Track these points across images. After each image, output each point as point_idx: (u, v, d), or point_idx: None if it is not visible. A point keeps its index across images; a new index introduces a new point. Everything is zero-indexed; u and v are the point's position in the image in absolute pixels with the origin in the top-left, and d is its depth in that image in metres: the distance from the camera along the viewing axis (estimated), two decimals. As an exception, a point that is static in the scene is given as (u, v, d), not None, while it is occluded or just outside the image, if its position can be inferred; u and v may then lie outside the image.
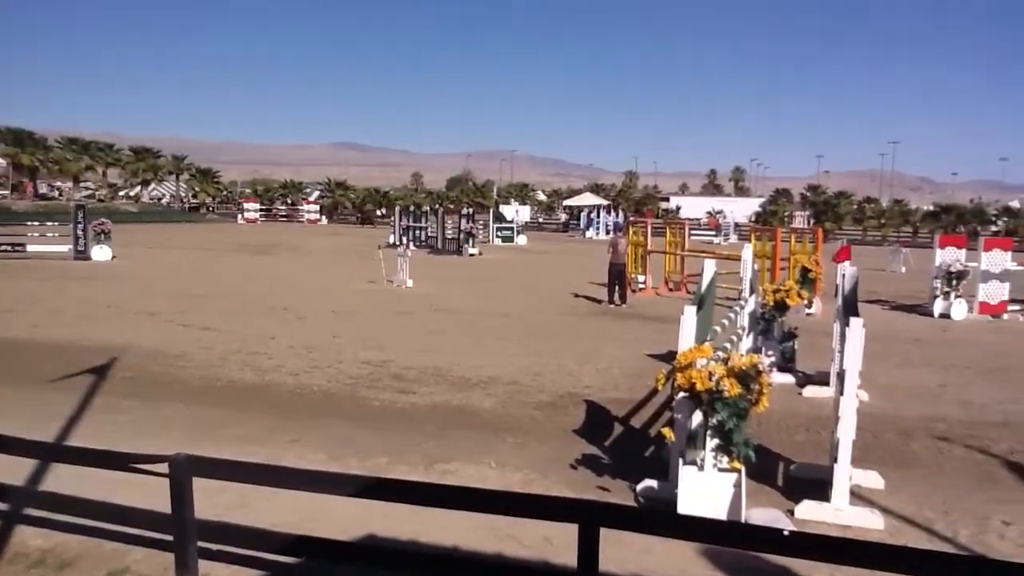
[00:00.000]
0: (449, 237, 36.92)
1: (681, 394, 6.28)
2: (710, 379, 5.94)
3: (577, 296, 21.11)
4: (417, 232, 39.51)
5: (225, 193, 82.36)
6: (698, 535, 4.66)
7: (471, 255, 34.45)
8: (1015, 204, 73.38)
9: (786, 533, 4.11)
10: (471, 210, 40.33)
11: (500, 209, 60.18)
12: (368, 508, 5.18)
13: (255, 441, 8.23)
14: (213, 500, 5.31)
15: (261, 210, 65.78)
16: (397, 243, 32.25)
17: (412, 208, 46.15)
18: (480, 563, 5.55)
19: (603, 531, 5.19)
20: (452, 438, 8.58)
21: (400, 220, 40.28)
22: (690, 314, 6.64)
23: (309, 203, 70.55)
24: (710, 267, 7.98)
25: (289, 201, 74.99)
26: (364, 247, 31.86)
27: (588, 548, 4.18)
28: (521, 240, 44.42)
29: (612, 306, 19.29)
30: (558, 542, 5.52)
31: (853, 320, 6.45)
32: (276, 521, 5.24)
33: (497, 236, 43.59)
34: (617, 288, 19.66)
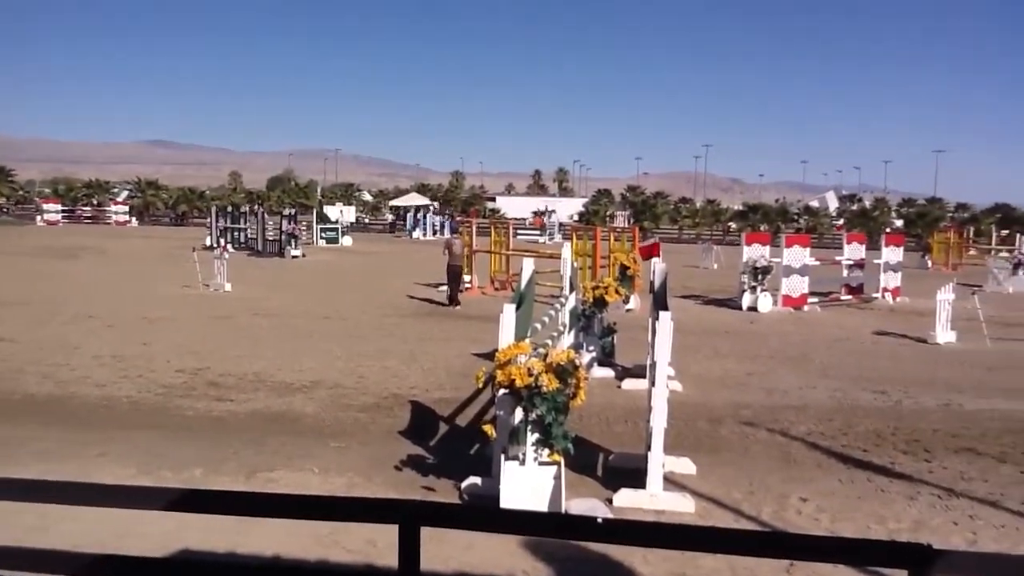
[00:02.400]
0: (270, 239, 35.88)
1: (502, 391, 6.38)
2: (529, 375, 6.06)
3: (404, 297, 21.03)
4: (236, 234, 38.18)
5: (21, 193, 76.35)
6: (516, 528, 4.71)
7: (294, 257, 33.61)
8: (814, 203, 79.19)
9: (599, 520, 4.23)
10: (294, 210, 39.35)
11: (324, 209, 59.03)
12: (183, 522, 4.98)
13: (58, 457, 7.71)
14: (11, 523, 4.94)
15: (63, 211, 61.36)
16: (214, 245, 31.06)
17: (230, 209, 44.46)
18: (303, 571, 5.43)
19: (426, 530, 5.22)
20: (273, 445, 8.35)
21: (217, 221, 38.79)
22: (509, 312, 6.76)
23: (117, 204, 66.50)
24: (529, 266, 8.15)
25: (95, 202, 70.45)
26: (179, 249, 30.49)
27: (409, 548, 4.15)
28: (346, 241, 43.73)
29: (455, 307, 19.33)
30: (382, 544, 5.48)
31: (662, 314, 6.76)
32: (82, 541, 4.94)
33: (321, 237, 42.71)
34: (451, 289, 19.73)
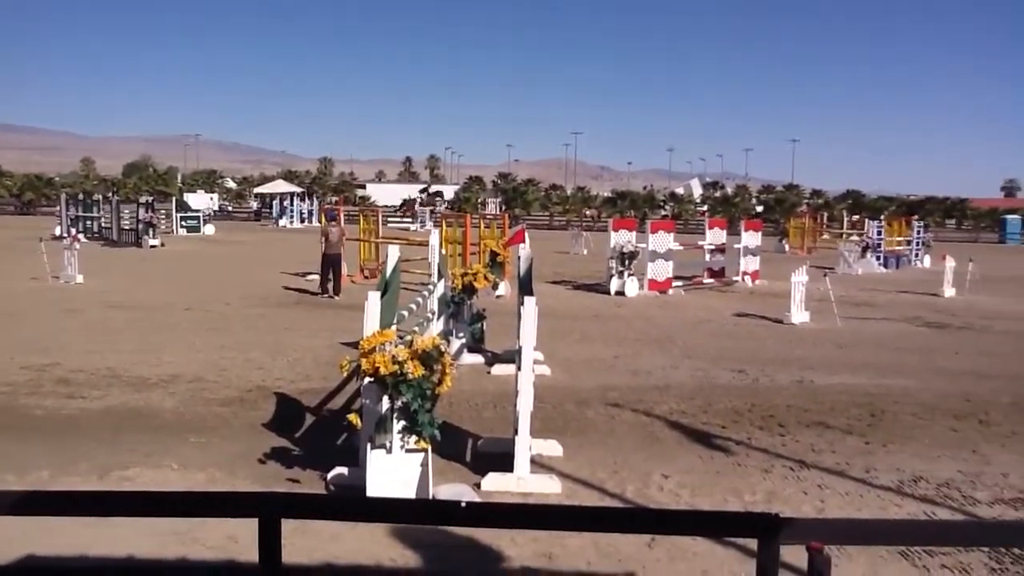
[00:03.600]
0: (126, 228, 34.30)
1: (367, 379, 6.30)
2: (394, 363, 6.01)
3: (270, 287, 20.50)
4: (88, 223, 36.36)
5: None
6: (380, 516, 4.68)
7: (152, 247, 32.23)
8: (680, 190, 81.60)
9: (463, 505, 4.26)
10: (151, 198, 37.73)
11: (185, 197, 56.85)
12: (27, 526, 4.69)
13: None
14: None
15: None
16: (64, 235, 29.48)
17: (82, 196, 42.24)
18: (160, 570, 5.24)
19: (290, 522, 5.10)
20: (129, 443, 7.99)
21: (67, 210, 36.82)
22: (374, 300, 6.67)
23: (-49, 192, 62.26)
24: (394, 253, 8.08)
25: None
26: (25, 240, 28.78)
27: (269, 541, 4.04)
28: (209, 230, 42.28)
29: (327, 297, 18.92)
30: (243, 539, 5.32)
31: (527, 299, 6.82)
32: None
33: (182, 226, 41.13)
34: (332, 279, 19.29)
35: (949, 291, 22.63)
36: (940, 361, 13.13)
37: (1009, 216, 66.66)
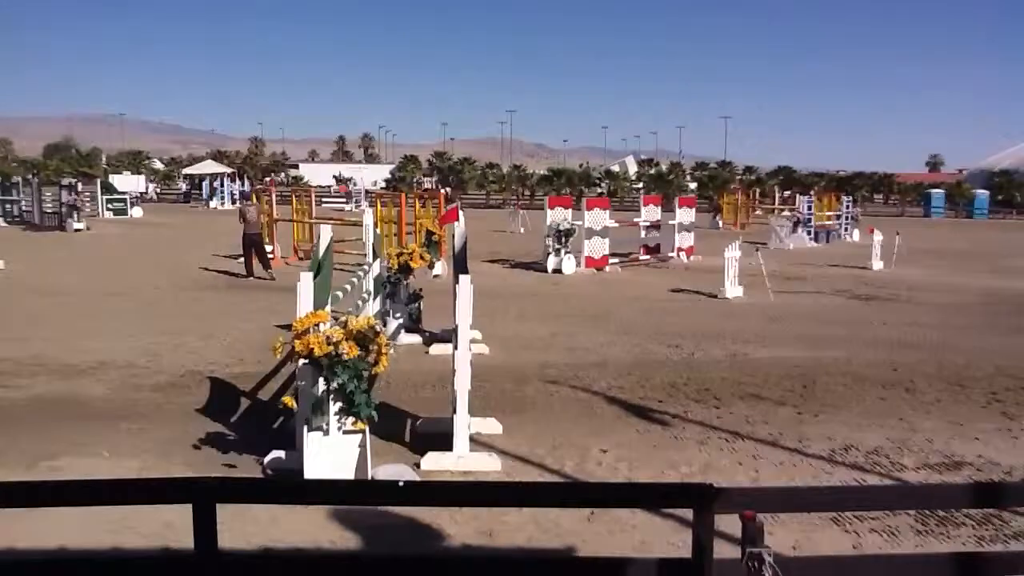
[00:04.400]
0: (49, 211, 33.24)
1: (301, 361, 6.22)
2: (328, 344, 5.93)
3: (201, 270, 20.09)
4: (8, 206, 35.18)
5: None
6: (316, 498, 4.65)
7: (76, 230, 31.28)
8: (615, 168, 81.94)
9: (401, 484, 4.24)
10: (75, 180, 36.59)
11: (110, 179, 55.26)
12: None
13: None
14: None
15: None
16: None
17: (0, 179, 40.78)
18: (92, 561, 5.10)
19: (228, 508, 5.01)
20: (57, 432, 7.76)
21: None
22: (307, 281, 6.57)
23: None
24: (326, 233, 7.96)
25: None
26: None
27: (205, 527, 4.00)
28: (136, 212, 41.16)
29: (254, 279, 18.56)
30: (180, 525, 5.20)
31: (462, 277, 6.79)
32: None
33: (108, 209, 39.96)
34: (257, 258, 18.93)
35: (877, 264, 23.21)
36: (868, 332, 13.47)
37: (933, 191, 68.59)
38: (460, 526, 5.73)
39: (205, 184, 57.92)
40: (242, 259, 19.12)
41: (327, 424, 6.27)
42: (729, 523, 3.97)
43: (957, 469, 7.16)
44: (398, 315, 11.86)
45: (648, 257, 23.92)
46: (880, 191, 77.68)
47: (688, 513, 4.15)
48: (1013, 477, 6.94)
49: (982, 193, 66.11)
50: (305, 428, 6.33)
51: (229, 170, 66.59)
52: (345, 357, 5.98)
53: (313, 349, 5.94)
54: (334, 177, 72.66)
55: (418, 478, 6.41)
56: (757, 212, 46.20)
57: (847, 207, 36.80)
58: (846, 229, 35.45)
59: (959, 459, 7.38)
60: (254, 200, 20.88)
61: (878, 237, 23.56)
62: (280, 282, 17.74)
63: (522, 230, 35.14)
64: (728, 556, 4.07)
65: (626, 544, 5.48)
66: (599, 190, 65.92)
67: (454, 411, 6.94)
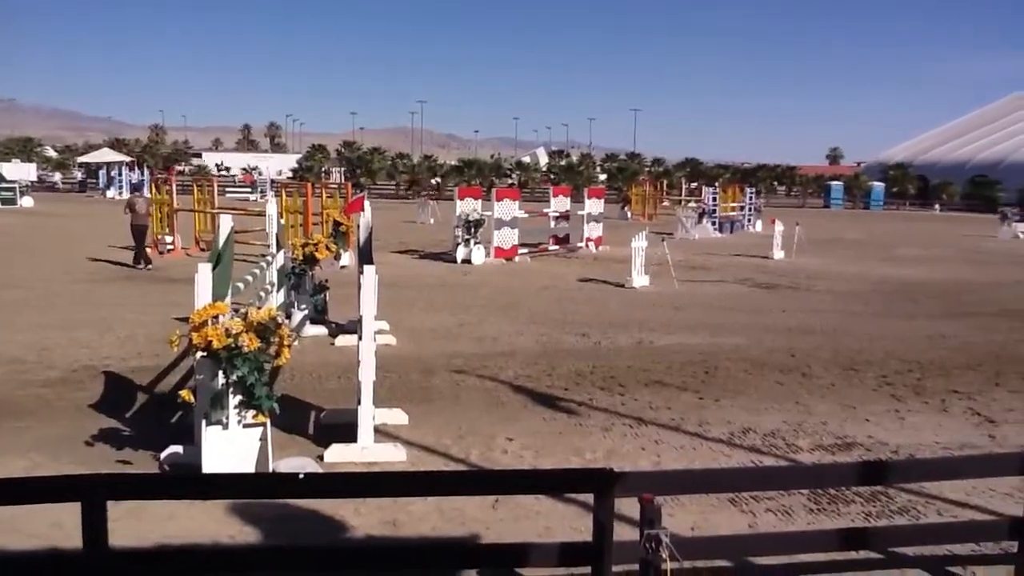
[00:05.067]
0: (-69, 201, 31.63)
1: (200, 354, 6.06)
2: (227, 336, 5.79)
3: (97, 262, 19.37)
4: None
5: None
6: (213, 492, 4.54)
7: (-37, 222, 29.83)
8: (526, 159, 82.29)
9: (301, 476, 4.19)
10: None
11: (-1, 167, 52.77)
12: None
13: None
14: None
15: None
16: None
17: None
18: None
19: (123, 505, 4.85)
20: (-63, 432, 7.39)
21: None
22: (205, 272, 6.39)
23: None
24: (227, 223, 7.75)
25: None
26: None
27: (93, 525, 3.87)
28: (27, 202, 39.44)
29: (141, 268, 18.14)
30: (70, 525, 5.03)
31: (367, 268, 6.71)
32: None
33: (-6, 197, 38.24)
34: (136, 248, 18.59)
35: (778, 254, 23.92)
36: (769, 319, 13.87)
37: (833, 182, 71.13)
38: (364, 517, 5.67)
39: (102, 173, 55.87)
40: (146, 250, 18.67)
41: (227, 418, 6.12)
42: (633, 507, 4.04)
43: (849, 450, 7.43)
44: (303, 306, 11.67)
45: (557, 247, 24.13)
46: (783, 183, 80.00)
47: (591, 498, 4.21)
48: (899, 456, 7.24)
49: (878, 185, 68.83)
50: (203, 422, 6.17)
51: (127, 159, 64.33)
52: (245, 349, 5.85)
53: (211, 342, 5.79)
54: (242, 169, 70.94)
55: (321, 470, 6.32)
56: (664, 203, 47.11)
57: (750, 198, 37.78)
58: (749, 220, 36.40)
59: (851, 440, 7.66)
60: (142, 193, 20.20)
61: (779, 228, 24.29)
62: (181, 273, 17.24)
63: (432, 221, 35.00)
64: (629, 539, 4.15)
65: (530, 530, 5.51)
66: (510, 181, 66.09)
67: (359, 402, 6.87)
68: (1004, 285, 19.08)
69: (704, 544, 4.92)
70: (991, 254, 27.50)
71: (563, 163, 78.88)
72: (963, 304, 16.02)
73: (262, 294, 9.57)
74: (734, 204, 36.19)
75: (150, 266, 18.49)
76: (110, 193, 50.50)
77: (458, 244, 20.84)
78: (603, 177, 72.14)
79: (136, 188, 19.93)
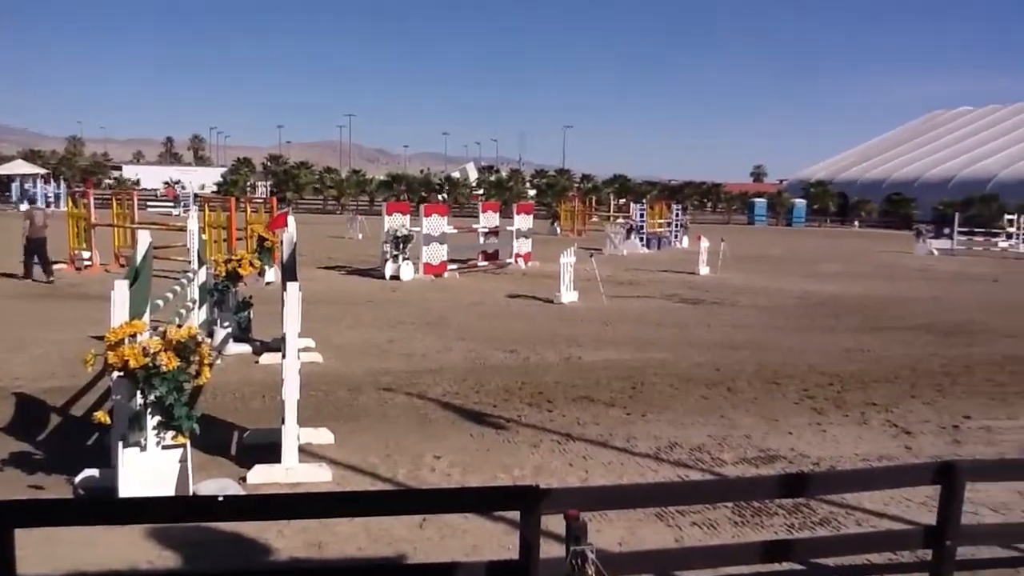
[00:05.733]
0: None
1: (116, 374, 5.87)
2: (145, 355, 5.63)
3: (9, 276, 18.67)
4: None
5: None
6: (130, 517, 4.39)
7: None
8: (456, 174, 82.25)
9: (221, 499, 4.08)
10: None
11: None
12: None
13: None
14: None
15: None
16: None
17: None
18: None
19: (37, 532, 4.65)
20: None
21: None
22: (122, 289, 6.21)
23: None
24: (144, 239, 7.56)
25: None
26: None
27: (2, 553, 3.70)
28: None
29: (32, 281, 18.00)
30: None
31: (290, 285, 6.60)
32: None
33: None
34: (40, 262, 18.28)
35: (704, 269, 24.32)
36: (694, 334, 14.07)
37: (757, 199, 72.76)
38: (288, 539, 5.56)
39: (15, 186, 54.01)
40: (62, 266, 18.23)
41: (145, 439, 5.95)
42: (561, 523, 4.03)
43: (772, 462, 7.56)
44: (226, 324, 11.42)
45: (486, 263, 24.14)
46: (708, 199, 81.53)
47: (518, 515, 4.19)
48: (821, 468, 7.40)
49: (800, 202, 70.64)
50: (120, 444, 5.98)
51: (42, 171, 62.24)
52: (164, 369, 5.69)
53: (128, 361, 5.62)
54: (164, 183, 69.26)
55: (243, 492, 6.18)
56: (593, 219, 47.51)
57: (677, 215, 38.44)
58: (676, 236, 36.99)
59: (774, 453, 7.80)
60: (41, 207, 19.80)
61: (705, 244, 24.71)
62: (99, 290, 16.71)
63: (360, 236, 34.72)
64: (557, 555, 4.13)
65: (458, 549, 5.46)
66: (440, 196, 65.99)
67: (283, 422, 6.73)
68: (919, 300, 19.71)
69: (630, 559, 4.94)
70: (907, 270, 28.42)
71: (493, 179, 79.08)
72: (881, 319, 16.50)
73: (183, 311, 9.36)
74: (661, 220, 36.73)
75: (52, 279, 18.14)
76: (24, 207, 48.74)
77: (387, 260, 20.68)
78: (532, 193, 72.48)
79: (31, 200, 19.62)
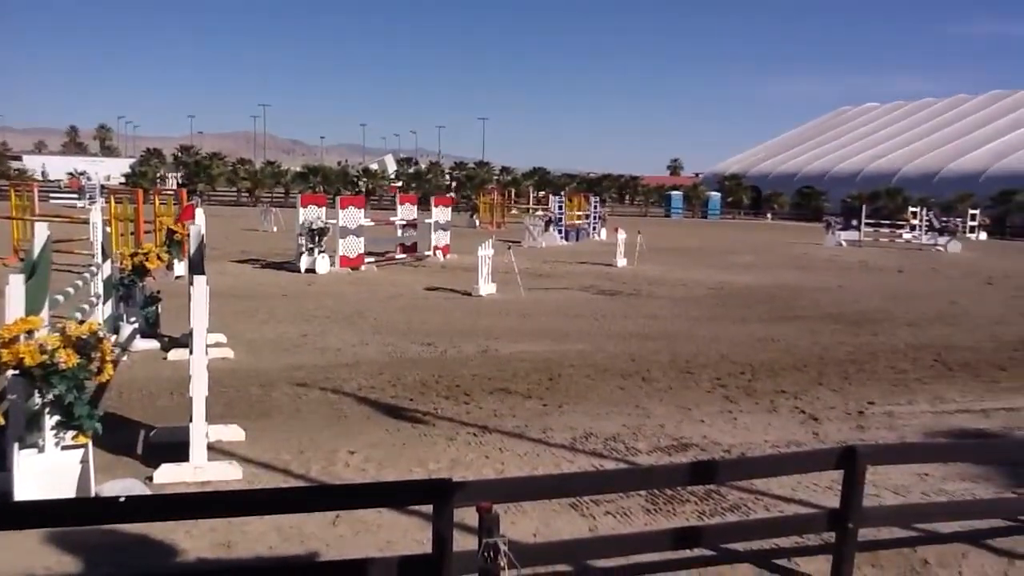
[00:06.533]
0: None
1: (11, 372, 5.62)
2: (42, 352, 5.40)
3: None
4: None
5: None
6: (24, 522, 4.21)
7: None
8: (374, 166, 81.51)
9: (122, 500, 3.94)
10: None
11: None
12: None
13: None
14: None
15: None
16: None
17: None
18: None
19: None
20: None
21: None
22: (17, 284, 5.94)
23: None
24: (42, 232, 7.26)
25: None
26: None
27: None
28: None
29: None
30: None
31: (197, 278, 6.42)
32: None
33: None
34: None
35: (621, 261, 24.61)
36: (611, 326, 14.22)
37: (673, 192, 74.13)
38: (196, 540, 5.41)
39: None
40: None
41: (43, 440, 5.71)
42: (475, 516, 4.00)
43: (685, 450, 7.69)
44: (133, 319, 11.07)
45: (404, 256, 23.98)
46: (626, 192, 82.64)
47: (430, 508, 4.16)
48: (731, 455, 7.55)
49: (715, 195, 72.24)
50: (16, 446, 5.73)
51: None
52: (62, 366, 5.46)
53: (24, 359, 5.38)
54: (68, 174, 66.77)
55: (149, 492, 5.99)
56: (513, 211, 47.64)
57: (595, 207, 38.82)
58: (594, 228, 37.36)
59: (687, 441, 7.93)
60: None
61: (622, 236, 24.98)
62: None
63: (275, 229, 34.13)
64: (472, 549, 4.12)
65: (372, 545, 5.40)
66: (357, 189, 65.34)
67: (191, 419, 6.55)
68: (828, 290, 20.31)
69: (544, 550, 4.96)
70: (817, 261, 29.25)
71: (412, 171, 78.65)
72: (791, 308, 16.95)
73: (86, 307, 9.03)
74: (580, 213, 37.06)
75: None
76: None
77: (302, 253, 20.34)
78: (452, 185, 72.32)
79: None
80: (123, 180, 62.72)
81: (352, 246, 21.26)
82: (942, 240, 37.11)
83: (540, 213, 36.77)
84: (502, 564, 3.81)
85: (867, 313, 16.44)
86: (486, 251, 17.46)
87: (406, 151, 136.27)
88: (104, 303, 10.36)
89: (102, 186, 52.59)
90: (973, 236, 46.03)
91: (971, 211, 48.83)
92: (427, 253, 24.58)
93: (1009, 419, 9.07)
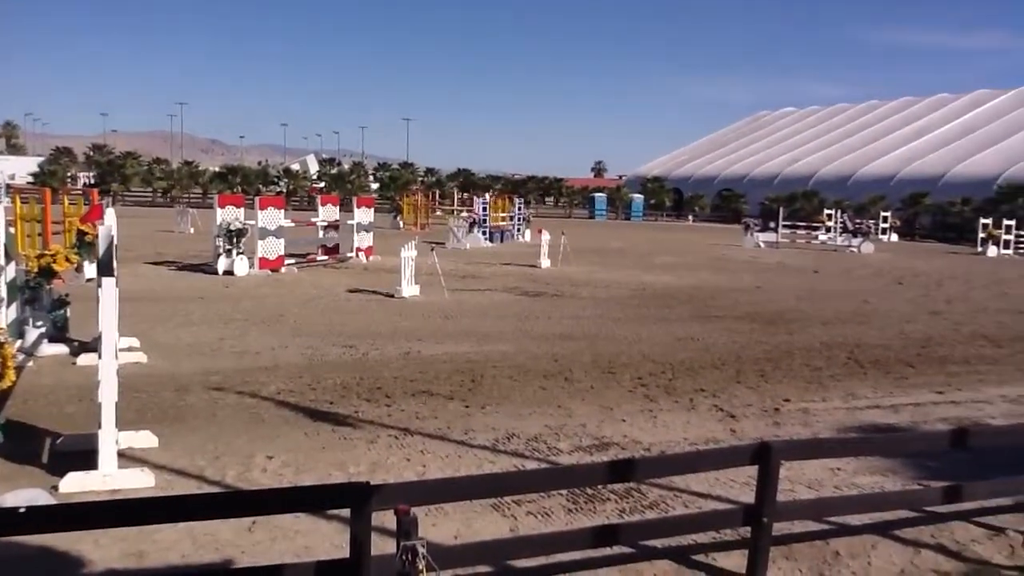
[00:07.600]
0: None
1: (-97, 379, 5.35)
2: (-64, 357, 5.15)
3: None
4: None
5: None
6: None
7: None
8: (295, 166, 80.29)
9: (21, 510, 3.79)
10: None
11: None
12: None
13: None
14: None
15: None
16: None
17: None
18: None
19: None
20: None
21: None
22: (-90, 284, 5.67)
23: None
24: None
25: None
26: None
27: None
28: None
29: None
30: None
31: (105, 280, 6.21)
32: None
33: None
34: None
35: (545, 262, 24.71)
36: (535, 326, 14.26)
37: (597, 194, 74.81)
38: (104, 549, 5.23)
39: None
40: None
41: (-61, 450, 5.45)
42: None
43: (606, 449, 7.74)
44: (40, 323, 10.66)
45: (326, 257, 23.66)
46: (551, 194, 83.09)
47: (347, 513, 4.09)
48: (651, 453, 7.64)
49: (638, 197, 73.17)
50: (-90, 456, 5.46)
51: None
52: (-42, 372, 5.23)
53: (-85, 364, 5.13)
54: None
55: (55, 502, 5.77)
56: (437, 213, 47.50)
57: (519, 209, 38.94)
58: (518, 230, 37.48)
59: (608, 440, 7.99)
60: None
61: (546, 237, 25.11)
62: None
63: (192, 230, 33.36)
64: (390, 552, 4.06)
65: (289, 551, 5.29)
66: (278, 189, 64.31)
67: (100, 426, 6.33)
68: (746, 291, 20.74)
69: (464, 551, 4.93)
70: (735, 262, 29.85)
71: (334, 171, 77.73)
72: (710, 308, 17.25)
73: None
74: (504, 214, 37.12)
75: None
76: None
77: (219, 255, 19.88)
78: (375, 186, 71.74)
79: None
80: (30, 179, 60.45)
81: (272, 247, 20.87)
82: (855, 241, 38.29)
83: (464, 215, 36.72)
84: (420, 567, 3.77)
85: (783, 312, 16.84)
86: (409, 252, 17.35)
87: (328, 151, 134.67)
88: (7, 307, 9.94)
89: (7, 185, 50.68)
90: (885, 238, 47.56)
91: (883, 213, 50.52)
92: (349, 255, 24.30)
93: (916, 414, 9.38)
